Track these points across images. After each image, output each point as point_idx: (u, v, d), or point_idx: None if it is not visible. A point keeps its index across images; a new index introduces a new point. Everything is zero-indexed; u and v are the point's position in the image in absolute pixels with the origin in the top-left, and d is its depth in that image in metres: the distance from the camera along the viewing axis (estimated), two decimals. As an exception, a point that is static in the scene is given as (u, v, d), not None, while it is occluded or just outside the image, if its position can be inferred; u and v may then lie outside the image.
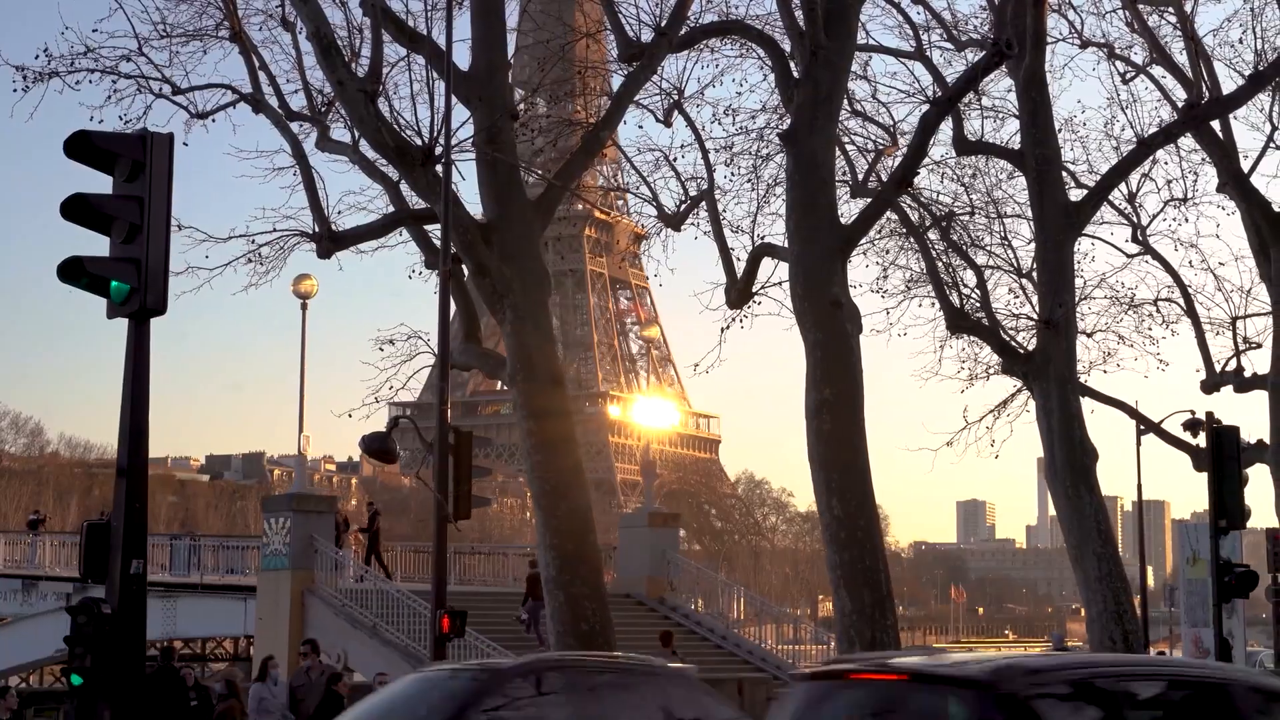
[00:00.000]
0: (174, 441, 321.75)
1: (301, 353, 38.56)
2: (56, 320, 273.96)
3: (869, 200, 26.11)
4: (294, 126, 25.14)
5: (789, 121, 24.47)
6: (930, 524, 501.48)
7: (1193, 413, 34.93)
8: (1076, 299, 29.66)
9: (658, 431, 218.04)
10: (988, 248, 31.66)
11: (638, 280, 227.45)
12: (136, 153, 12.36)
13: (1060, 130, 30.48)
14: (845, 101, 29.60)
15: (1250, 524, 26.79)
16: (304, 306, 37.29)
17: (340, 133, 24.88)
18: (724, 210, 28.95)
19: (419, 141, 22.42)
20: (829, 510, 23.47)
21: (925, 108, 26.11)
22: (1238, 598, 21.18)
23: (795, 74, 24.63)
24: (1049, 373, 27.29)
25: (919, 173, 26.54)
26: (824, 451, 23.48)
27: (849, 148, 30.17)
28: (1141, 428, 35.18)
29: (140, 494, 11.98)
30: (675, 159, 28.86)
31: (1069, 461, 26.91)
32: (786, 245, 24.87)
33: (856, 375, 23.80)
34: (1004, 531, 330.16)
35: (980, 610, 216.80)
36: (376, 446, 20.95)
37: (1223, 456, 20.65)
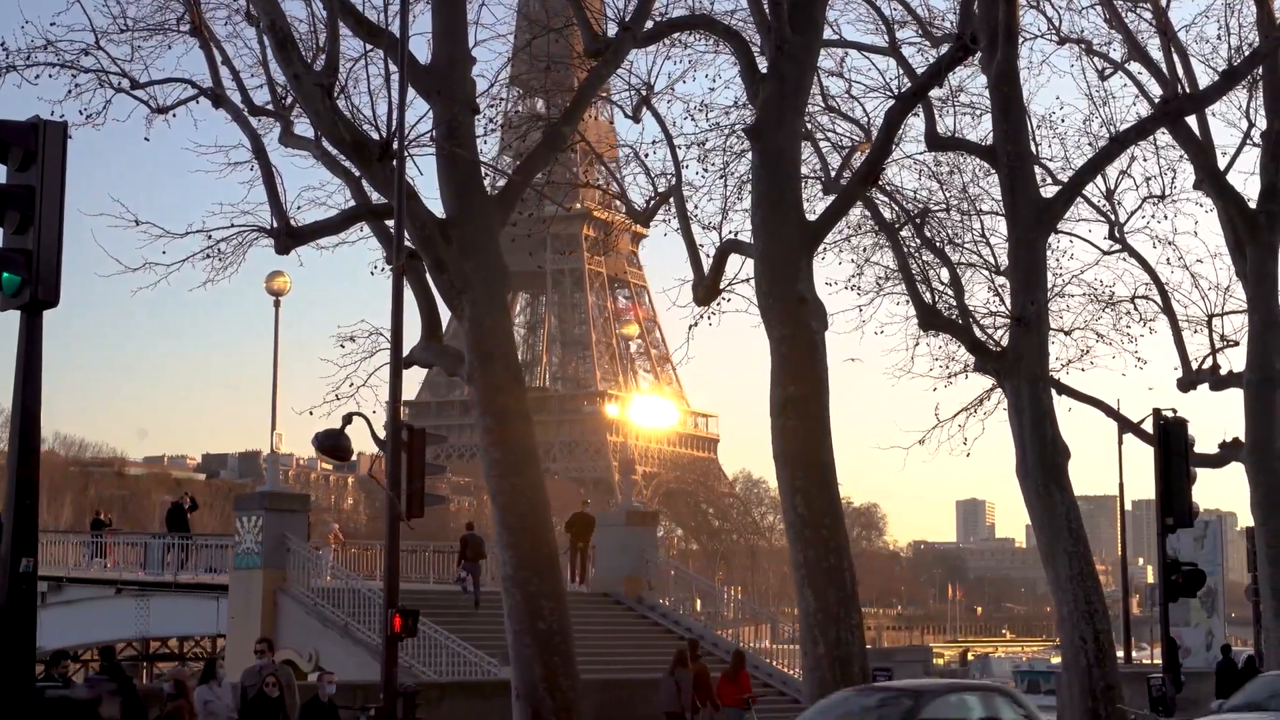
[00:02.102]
0: (171, 440, 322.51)
1: (275, 350, 38.56)
2: (50, 319, 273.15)
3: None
4: (256, 122, 24.85)
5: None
6: (929, 523, 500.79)
7: (1174, 411, 34.58)
8: (1051, 296, 29.40)
9: (656, 431, 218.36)
10: (963, 245, 31.40)
11: (636, 279, 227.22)
12: (28, 142, 12.08)
13: (1039, 127, 30.20)
14: (821, 97, 29.43)
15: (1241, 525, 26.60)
16: (277, 304, 37.35)
17: (304, 128, 24.59)
18: (697, 207, 28.71)
19: (377, 136, 22.17)
20: (793, 509, 23.28)
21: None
22: (1185, 596, 20.92)
23: (762, 69, 24.42)
24: (1021, 370, 27.03)
25: (885, 168, 26.30)
26: (788, 449, 23.27)
27: (822, 144, 29.89)
28: (1120, 426, 34.82)
29: (31, 491, 11.74)
30: (645, 155, 28.62)
31: (1040, 460, 26.65)
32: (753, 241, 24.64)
33: (822, 373, 23.58)
34: (1003, 531, 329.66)
35: (979, 610, 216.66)
36: (330, 444, 20.74)
37: (1170, 452, 20.31)
